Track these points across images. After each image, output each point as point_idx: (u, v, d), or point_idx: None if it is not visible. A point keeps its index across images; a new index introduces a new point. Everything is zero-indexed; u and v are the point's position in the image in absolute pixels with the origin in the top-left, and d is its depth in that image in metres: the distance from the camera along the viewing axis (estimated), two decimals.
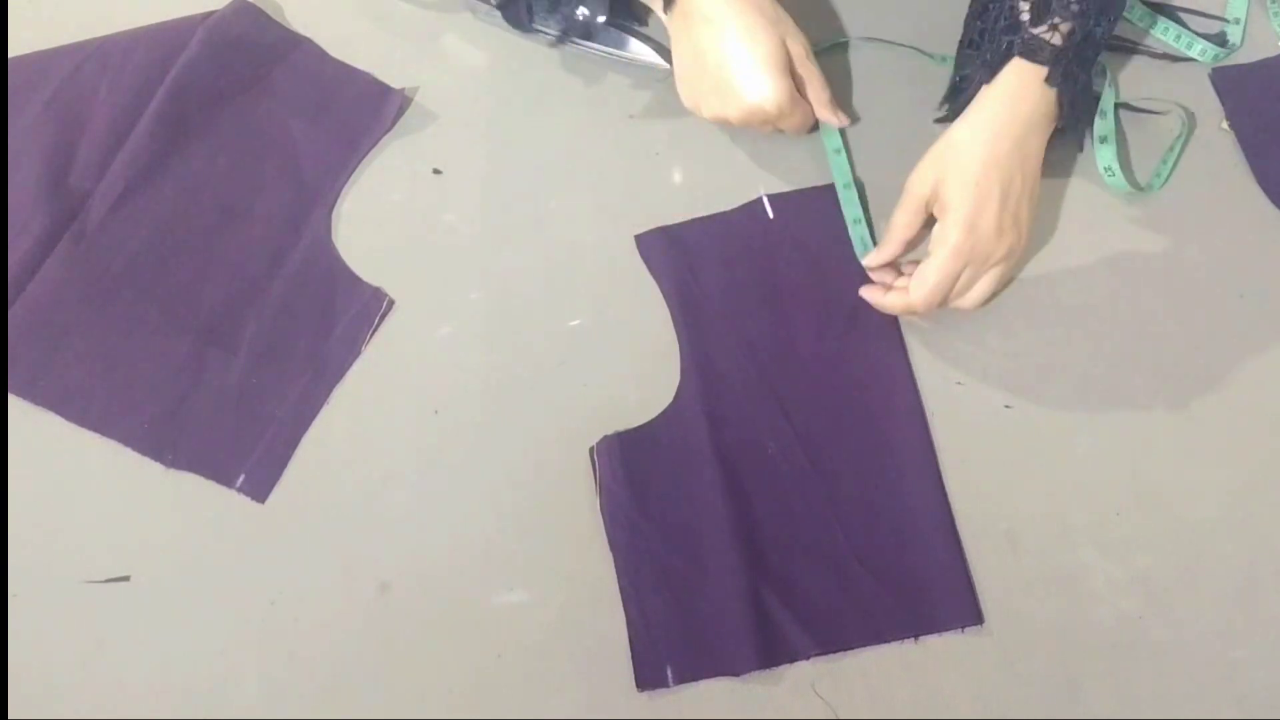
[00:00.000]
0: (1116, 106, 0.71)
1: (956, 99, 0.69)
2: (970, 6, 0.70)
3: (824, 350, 0.64)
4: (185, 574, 0.59)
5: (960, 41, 0.70)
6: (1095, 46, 0.66)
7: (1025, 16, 0.64)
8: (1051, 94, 0.64)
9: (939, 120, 0.71)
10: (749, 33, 0.63)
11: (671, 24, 0.66)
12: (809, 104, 0.67)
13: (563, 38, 0.70)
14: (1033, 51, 0.63)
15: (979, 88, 0.66)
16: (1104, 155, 0.69)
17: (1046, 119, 0.65)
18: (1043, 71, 0.63)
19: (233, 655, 0.57)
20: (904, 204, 0.65)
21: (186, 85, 0.71)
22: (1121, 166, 0.69)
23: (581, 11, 0.69)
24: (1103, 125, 0.69)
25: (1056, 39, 0.63)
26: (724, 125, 0.68)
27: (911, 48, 0.73)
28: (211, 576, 0.59)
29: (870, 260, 0.65)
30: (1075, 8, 0.63)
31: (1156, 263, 0.67)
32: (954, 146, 0.63)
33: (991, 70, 0.65)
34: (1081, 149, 0.71)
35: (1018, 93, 0.64)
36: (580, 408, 0.63)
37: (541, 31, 0.70)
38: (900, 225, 0.65)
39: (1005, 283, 0.65)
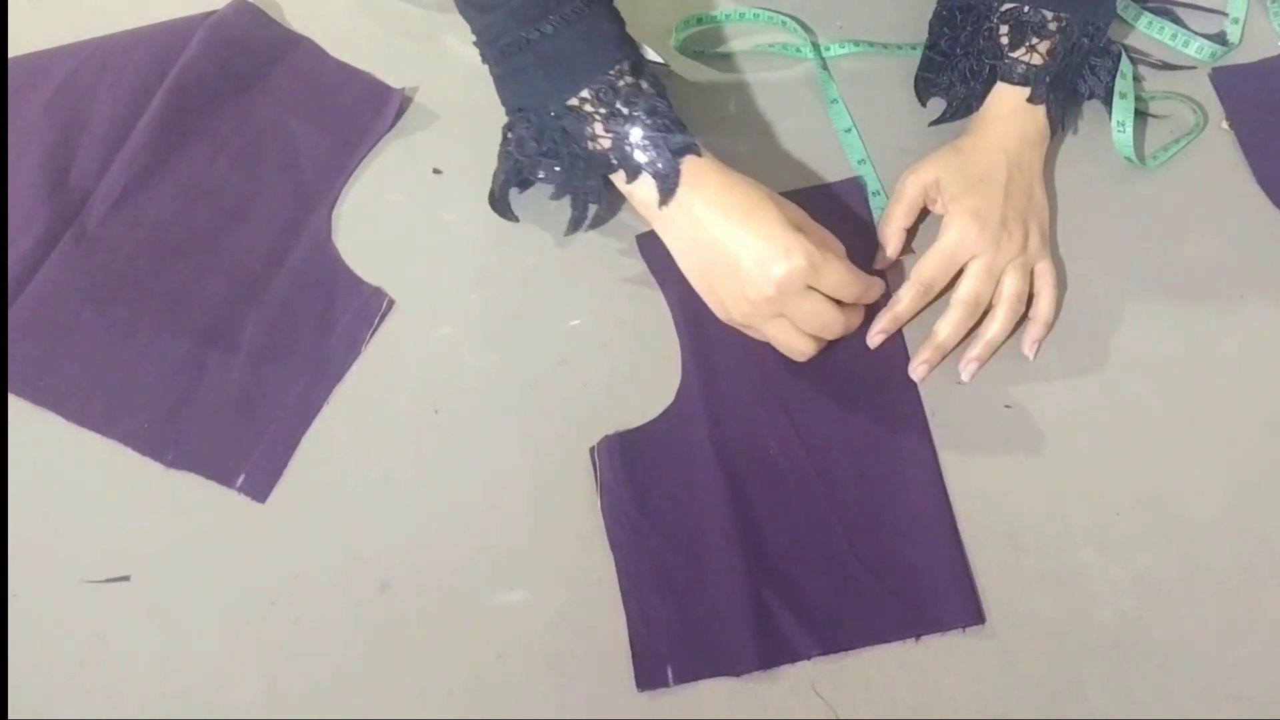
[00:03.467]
0: (1135, 68, 0.72)
1: (942, 102, 0.71)
2: (936, 10, 0.71)
3: (825, 349, 0.64)
4: (185, 574, 0.59)
5: (926, 45, 0.72)
6: (1085, 54, 0.67)
7: (1005, 40, 0.66)
8: (1041, 109, 0.66)
9: (934, 123, 0.71)
10: (747, 209, 0.58)
11: (669, 229, 0.60)
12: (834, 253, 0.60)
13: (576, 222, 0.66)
14: (1012, 74, 0.66)
15: (965, 108, 0.69)
16: (1121, 109, 0.69)
17: (1040, 132, 0.66)
18: (1026, 91, 0.65)
19: (233, 655, 0.57)
20: (901, 195, 0.65)
21: (186, 85, 0.71)
22: (1137, 130, 0.69)
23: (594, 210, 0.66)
24: (1123, 83, 0.70)
25: (1036, 59, 0.65)
26: (761, 331, 0.61)
27: (868, 44, 0.75)
28: (211, 576, 0.59)
29: (880, 262, 0.66)
30: (1053, 26, 0.65)
31: (1156, 263, 0.67)
32: (958, 150, 0.65)
33: (980, 97, 0.67)
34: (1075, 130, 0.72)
35: (1009, 113, 0.66)
36: (580, 408, 0.63)
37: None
38: (898, 215, 0.65)
39: (1049, 300, 0.64)
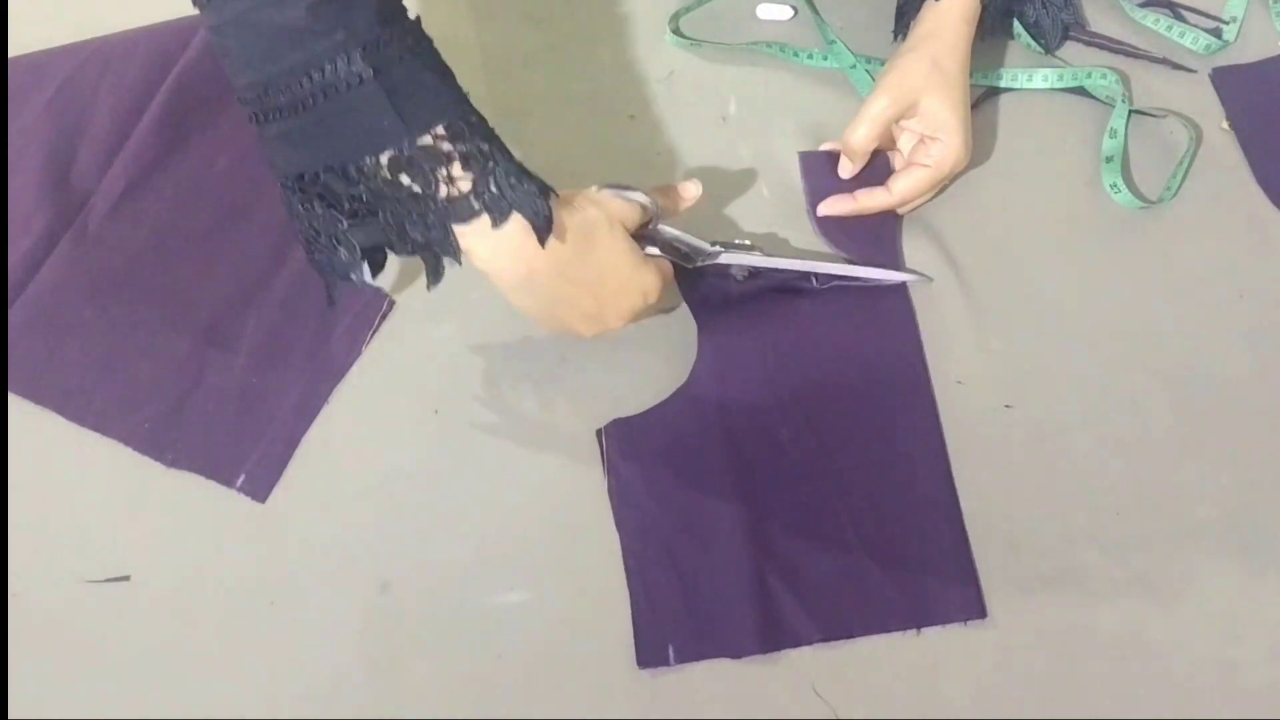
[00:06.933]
0: (1129, 118, 0.71)
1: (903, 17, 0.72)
2: None
3: (838, 336, 0.64)
4: (185, 574, 0.59)
5: None
6: None
7: None
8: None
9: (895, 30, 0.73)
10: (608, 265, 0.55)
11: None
12: (660, 270, 0.59)
13: None
14: None
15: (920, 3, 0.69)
16: (1109, 173, 0.69)
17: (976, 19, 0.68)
18: None
19: (232, 655, 0.57)
20: (880, 109, 0.65)
21: (187, 85, 0.71)
22: (1128, 182, 0.69)
23: None
24: (1111, 145, 0.69)
25: None
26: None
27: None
28: (211, 576, 0.59)
29: (847, 172, 0.68)
30: None
31: (1156, 262, 0.67)
32: (940, 69, 0.65)
33: None
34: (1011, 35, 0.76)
35: (966, 11, 0.67)
36: (581, 407, 0.63)
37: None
38: (874, 124, 0.65)
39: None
